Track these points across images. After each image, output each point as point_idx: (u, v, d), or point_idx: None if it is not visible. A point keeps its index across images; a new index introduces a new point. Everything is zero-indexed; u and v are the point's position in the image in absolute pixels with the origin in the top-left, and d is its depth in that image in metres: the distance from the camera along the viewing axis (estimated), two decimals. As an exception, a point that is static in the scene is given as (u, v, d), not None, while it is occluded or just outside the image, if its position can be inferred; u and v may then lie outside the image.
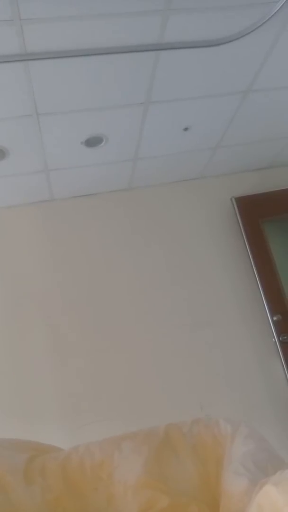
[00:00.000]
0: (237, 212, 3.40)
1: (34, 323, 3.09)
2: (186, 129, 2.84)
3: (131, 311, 3.21)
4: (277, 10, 1.92)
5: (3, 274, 3.18)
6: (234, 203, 3.42)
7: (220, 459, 1.55)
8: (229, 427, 1.64)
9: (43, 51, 1.97)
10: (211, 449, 1.60)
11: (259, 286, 3.23)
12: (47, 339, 3.07)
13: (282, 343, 3.12)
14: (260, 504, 1.07)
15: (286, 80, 2.57)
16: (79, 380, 3.01)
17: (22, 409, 2.89)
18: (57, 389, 2.98)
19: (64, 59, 2.03)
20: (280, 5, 1.89)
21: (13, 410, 2.88)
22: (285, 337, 3.13)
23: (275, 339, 3.14)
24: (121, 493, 1.49)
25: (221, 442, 1.61)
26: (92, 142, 2.76)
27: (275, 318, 3.16)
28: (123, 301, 3.23)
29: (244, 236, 3.34)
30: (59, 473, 1.56)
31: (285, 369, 3.09)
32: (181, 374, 3.09)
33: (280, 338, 3.13)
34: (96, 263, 3.28)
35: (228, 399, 3.03)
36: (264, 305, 3.20)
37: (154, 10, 1.89)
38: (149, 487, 1.46)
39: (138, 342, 3.14)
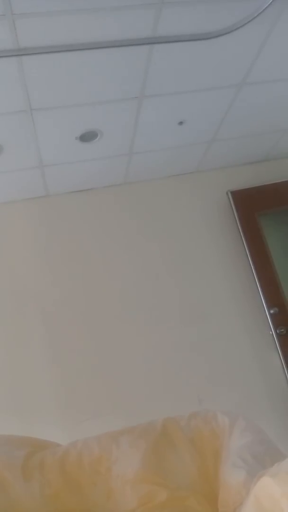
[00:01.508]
0: (233, 205, 3.40)
1: (30, 319, 3.09)
2: (181, 123, 2.83)
3: (128, 306, 3.21)
4: (270, 3, 1.91)
5: (-1, 271, 3.18)
6: (230, 196, 3.42)
7: (218, 452, 1.56)
8: (227, 420, 1.65)
9: (36, 46, 1.96)
10: (209, 442, 1.60)
11: (256, 280, 3.24)
12: (43, 335, 3.07)
13: (279, 336, 3.13)
14: (257, 496, 1.08)
15: (280, 73, 2.57)
16: (77, 376, 3.01)
17: (20, 405, 2.89)
18: (55, 385, 2.98)
19: (57, 54, 2.02)
20: (273, -2, 1.88)
21: (11, 407, 2.88)
22: (282, 330, 3.14)
23: (272, 332, 3.15)
24: (120, 488, 1.49)
25: (219, 435, 1.62)
26: (87, 137, 2.75)
27: (272, 311, 3.17)
28: (119, 296, 3.22)
29: (240, 230, 3.34)
30: (57, 469, 1.56)
31: (283, 362, 3.11)
32: (179, 368, 3.10)
33: (277, 331, 3.14)
34: (92, 258, 3.28)
35: (226, 392, 3.04)
36: (261, 298, 3.21)
37: (147, 4, 1.87)
38: (148, 481, 1.47)
39: (135, 337, 3.14)
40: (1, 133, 2.50)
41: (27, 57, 2.00)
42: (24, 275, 3.17)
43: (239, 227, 3.34)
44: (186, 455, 1.57)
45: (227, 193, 3.44)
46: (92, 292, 3.21)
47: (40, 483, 1.52)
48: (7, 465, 1.52)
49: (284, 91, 2.76)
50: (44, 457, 1.62)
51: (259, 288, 3.22)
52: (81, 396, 2.97)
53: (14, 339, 3.04)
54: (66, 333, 3.09)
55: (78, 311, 3.15)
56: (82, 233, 3.33)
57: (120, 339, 3.12)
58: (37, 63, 2.05)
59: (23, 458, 1.59)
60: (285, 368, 3.11)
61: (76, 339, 3.09)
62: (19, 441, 1.75)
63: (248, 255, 3.28)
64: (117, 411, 2.85)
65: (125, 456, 1.56)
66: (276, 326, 3.15)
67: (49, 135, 2.63)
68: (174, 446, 1.61)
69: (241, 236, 3.33)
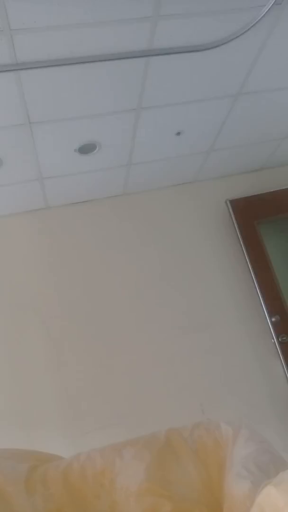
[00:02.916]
0: (232, 214, 3.41)
1: (32, 331, 3.08)
2: (178, 133, 2.85)
3: (129, 316, 3.21)
4: (264, 13, 1.94)
5: (0, 283, 3.18)
6: (229, 205, 3.43)
7: (222, 463, 1.55)
8: (230, 430, 1.63)
9: (34, 61, 1.98)
10: (212, 453, 1.59)
11: (257, 288, 3.24)
12: (46, 346, 3.06)
13: (281, 343, 3.12)
14: (261, 505, 1.07)
15: (276, 82, 2.59)
16: (79, 387, 3.00)
17: (23, 418, 2.88)
18: (57, 397, 2.96)
19: (55, 68, 2.04)
20: (266, 9, 1.90)
21: (14, 420, 2.86)
22: (284, 338, 3.13)
23: (274, 340, 3.14)
24: (124, 500, 1.48)
25: (223, 445, 1.61)
26: (86, 149, 2.77)
27: (273, 319, 3.17)
28: (121, 306, 3.22)
29: (240, 238, 3.35)
30: (60, 482, 1.55)
31: (285, 369, 3.09)
32: (181, 377, 3.09)
33: (279, 339, 3.13)
34: (93, 269, 3.28)
35: (229, 401, 3.03)
36: (262, 306, 3.21)
37: (143, 17, 1.90)
38: (152, 493, 1.45)
39: (137, 347, 3.13)
40: (0, 146, 2.52)
41: (25, 71, 2.02)
42: (26, 287, 3.18)
43: (239, 236, 3.35)
44: (190, 466, 1.56)
45: (226, 202, 3.45)
46: (93, 302, 3.21)
47: (43, 497, 1.51)
48: (10, 479, 1.51)
49: (280, 100, 2.79)
50: (47, 471, 1.60)
51: (260, 296, 3.22)
52: (84, 407, 2.95)
53: (17, 351, 3.03)
54: (68, 344, 3.09)
55: (80, 322, 3.15)
56: (83, 244, 3.34)
57: (122, 350, 3.11)
58: (35, 77, 2.07)
59: (26, 472, 1.58)
60: (287, 375, 3.09)
61: (78, 349, 3.08)
62: (22, 455, 1.73)
63: (248, 263, 3.29)
64: (120, 422, 2.84)
65: (129, 468, 1.55)
66: (278, 334, 3.14)
67: (48, 147, 2.65)
68: (177, 457, 1.59)
69: (241, 244, 3.34)
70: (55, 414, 2.93)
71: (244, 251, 3.31)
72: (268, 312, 3.19)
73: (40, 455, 1.77)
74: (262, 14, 1.96)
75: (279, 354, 3.12)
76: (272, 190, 3.51)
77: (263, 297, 3.22)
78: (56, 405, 2.95)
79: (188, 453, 1.59)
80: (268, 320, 3.17)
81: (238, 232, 3.36)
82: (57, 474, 1.59)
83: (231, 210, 3.42)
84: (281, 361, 3.11)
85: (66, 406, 2.95)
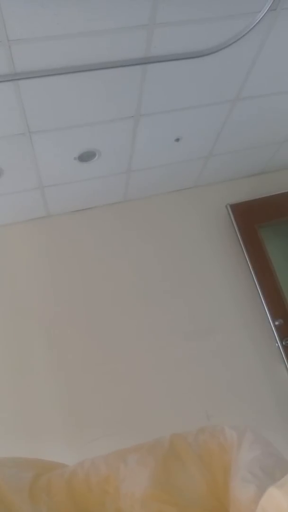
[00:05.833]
0: (233, 219, 3.41)
1: (34, 339, 3.08)
2: (177, 139, 2.87)
3: (131, 323, 3.20)
4: (260, 19, 1.95)
5: (1, 292, 3.18)
6: (230, 210, 3.44)
7: (227, 467, 1.54)
8: (235, 434, 1.62)
9: (32, 70, 2.00)
10: (217, 457, 1.58)
11: (259, 292, 3.23)
12: (47, 355, 3.06)
13: (285, 347, 3.11)
14: (264, 507, 1.06)
15: (273, 87, 2.61)
16: (82, 395, 2.99)
17: (26, 426, 2.87)
18: (60, 405, 2.95)
19: (53, 77, 2.06)
20: (262, 15, 1.92)
21: (18, 429, 2.85)
22: (288, 341, 3.12)
23: (278, 344, 3.13)
24: (129, 507, 1.47)
25: (228, 449, 1.60)
26: (85, 157, 2.79)
27: (276, 323, 3.16)
28: (123, 312, 3.22)
29: (241, 243, 3.35)
30: (65, 490, 1.54)
31: (290, 374, 3.09)
32: (185, 384, 3.07)
33: (283, 343, 3.12)
34: (94, 276, 3.29)
35: (234, 407, 3.01)
36: (265, 310, 3.20)
37: (139, 25, 1.92)
38: (157, 499, 1.44)
39: (140, 353, 3.13)
40: (1, 156, 2.53)
41: (24, 81, 2.04)
42: (27, 295, 3.18)
43: (240, 240, 3.35)
44: (194, 471, 1.55)
45: (226, 207, 3.46)
46: (95, 309, 3.21)
47: (48, 505, 1.50)
48: (14, 488, 1.50)
49: (278, 104, 2.80)
50: (51, 479, 1.59)
51: (262, 300, 3.21)
52: (87, 415, 2.94)
53: (19, 359, 3.03)
54: (71, 351, 3.08)
55: (81, 329, 3.14)
56: (84, 252, 3.34)
57: (125, 356, 3.11)
58: (34, 86, 2.09)
59: (30, 481, 1.57)
60: (292, 380, 3.08)
61: (81, 357, 3.07)
62: (26, 463, 1.73)
63: (250, 268, 3.28)
64: (125, 429, 2.82)
65: (133, 474, 1.54)
66: (282, 338, 3.13)
67: (48, 156, 2.66)
68: (182, 463, 1.59)
69: (242, 248, 3.34)
70: (59, 422, 2.91)
71: (246, 255, 3.31)
72: (271, 316, 3.18)
73: (43, 463, 1.76)
74: (258, 20, 1.97)
75: (283, 358, 3.10)
76: (272, 194, 3.52)
77: (265, 300, 3.21)
78: (59, 413, 2.93)
79: (192, 458, 1.58)
80: (272, 324, 3.16)
81: (239, 236, 3.36)
82: (61, 482, 1.58)
83: (231, 214, 3.42)
84: (286, 365, 3.10)
85: (69, 414, 2.94)
